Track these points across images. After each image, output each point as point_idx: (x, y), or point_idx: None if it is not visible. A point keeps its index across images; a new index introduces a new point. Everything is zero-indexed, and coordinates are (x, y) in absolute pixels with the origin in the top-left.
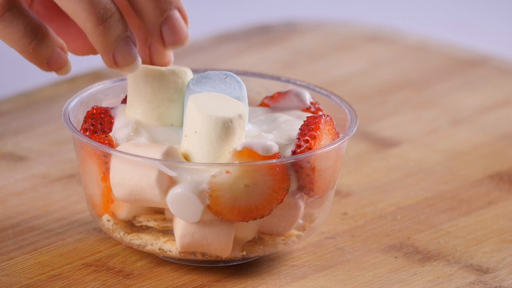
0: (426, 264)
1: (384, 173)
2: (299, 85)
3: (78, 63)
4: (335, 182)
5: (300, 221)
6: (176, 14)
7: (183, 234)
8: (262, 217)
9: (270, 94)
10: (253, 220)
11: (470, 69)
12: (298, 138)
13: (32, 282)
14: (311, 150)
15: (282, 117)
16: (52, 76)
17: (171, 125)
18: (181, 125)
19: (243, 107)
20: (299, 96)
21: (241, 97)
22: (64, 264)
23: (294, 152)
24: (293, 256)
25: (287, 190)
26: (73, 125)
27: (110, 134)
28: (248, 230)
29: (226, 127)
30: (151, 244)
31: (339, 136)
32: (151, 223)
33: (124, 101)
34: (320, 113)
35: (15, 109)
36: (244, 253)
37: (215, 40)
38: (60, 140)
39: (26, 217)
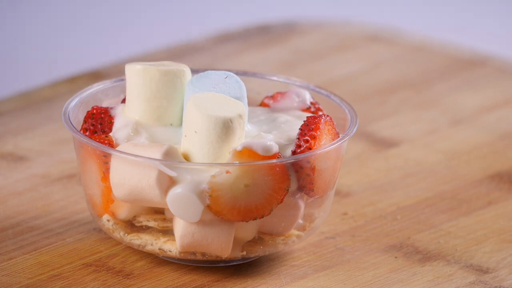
0: (426, 264)
1: (384, 173)
2: (299, 85)
3: (78, 63)
4: (335, 182)
5: (300, 221)
6: None
7: (183, 234)
8: (262, 217)
9: (270, 94)
10: (253, 220)
11: (470, 69)
12: (298, 138)
13: (32, 282)
14: (311, 150)
15: (282, 117)
16: (52, 76)
17: (171, 124)
18: (181, 125)
19: (243, 107)
20: (299, 96)
21: (241, 97)
22: (64, 264)
23: (294, 152)
24: (293, 256)
25: (287, 190)
26: (73, 125)
27: (110, 134)
28: (248, 230)
29: (226, 127)
30: (151, 244)
31: (339, 136)
32: (151, 223)
33: (124, 101)
34: (320, 113)
35: (15, 109)
36: (244, 253)
37: (215, 40)
38: (60, 140)
39: (26, 217)
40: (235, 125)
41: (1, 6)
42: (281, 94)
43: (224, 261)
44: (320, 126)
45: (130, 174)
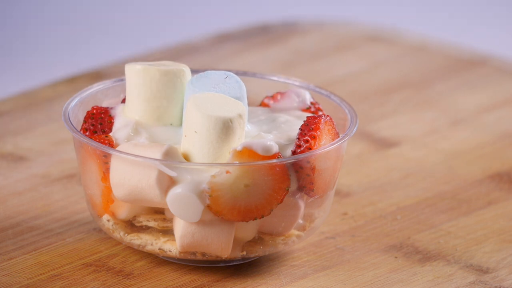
0: (426, 264)
1: (384, 173)
2: (299, 85)
3: (78, 63)
4: (335, 182)
5: (300, 221)
6: None
7: (183, 234)
8: (262, 217)
9: (270, 94)
10: (253, 220)
11: (470, 69)
12: (298, 138)
13: (32, 282)
14: (311, 150)
15: (282, 117)
16: (52, 76)
17: (171, 124)
18: (181, 125)
19: (243, 107)
20: (299, 96)
21: (241, 97)
22: (64, 264)
23: (294, 152)
24: (293, 256)
25: (287, 190)
26: (73, 125)
27: (110, 134)
28: (248, 230)
29: (226, 127)
30: (151, 244)
31: (339, 136)
32: (151, 223)
33: (124, 101)
34: (320, 113)
35: (15, 109)
36: (244, 253)
37: (215, 40)
38: (60, 140)
39: (26, 217)
40: (235, 125)
41: (1, 6)
42: (281, 94)
43: (224, 261)
44: (320, 126)
45: (130, 174)
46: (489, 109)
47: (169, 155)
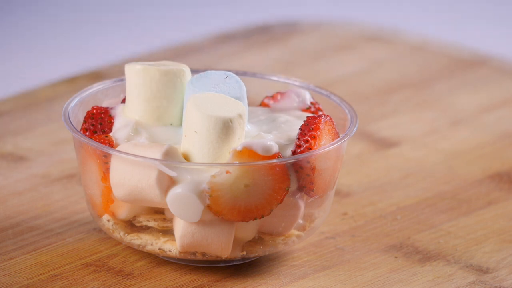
0: (426, 264)
1: (384, 173)
2: (299, 85)
3: (78, 63)
4: (335, 182)
5: (300, 221)
6: None
7: (183, 234)
8: (262, 217)
9: (270, 94)
10: (253, 220)
11: (470, 69)
12: (298, 138)
13: (32, 282)
14: (311, 150)
15: (282, 117)
16: (52, 76)
17: (171, 124)
18: (181, 125)
19: (243, 107)
20: (299, 96)
21: (241, 97)
22: (64, 264)
23: (294, 152)
24: (293, 256)
25: (287, 190)
26: (73, 125)
27: (110, 134)
28: (248, 230)
29: (226, 127)
30: (151, 244)
31: (339, 136)
32: (151, 223)
33: (124, 101)
34: (320, 113)
35: (15, 109)
36: (244, 253)
37: (215, 40)
38: (60, 140)
39: (26, 217)
40: (235, 125)
41: (1, 6)
42: (281, 94)
43: (224, 261)
44: (320, 126)
45: (130, 174)
46: (489, 109)
47: (169, 155)
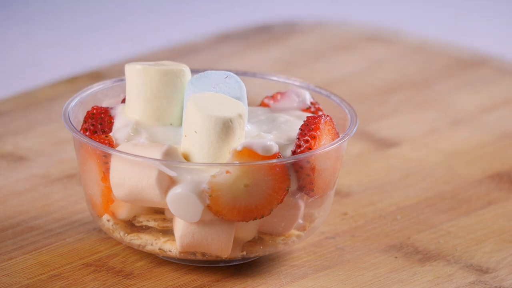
0: (426, 264)
1: (384, 173)
2: (299, 85)
3: (78, 63)
4: (335, 182)
5: (300, 221)
6: None
7: (183, 234)
8: (262, 217)
9: (270, 94)
10: (253, 220)
11: (470, 69)
12: (298, 138)
13: (32, 282)
14: (311, 150)
15: (282, 117)
16: (52, 76)
17: (171, 124)
18: (181, 125)
19: (243, 107)
20: (299, 96)
21: (241, 97)
22: (64, 264)
23: (294, 152)
24: (293, 256)
25: (287, 190)
26: (73, 125)
27: (110, 134)
28: (248, 230)
29: (226, 127)
30: (151, 244)
31: (339, 136)
32: (151, 223)
33: (124, 101)
34: (320, 113)
35: (15, 109)
36: (244, 253)
37: (215, 40)
38: (60, 140)
39: (26, 217)
40: (235, 125)
41: (1, 6)
42: (281, 94)
43: (224, 261)
44: (320, 126)
45: (130, 174)
46: (489, 109)
47: (169, 155)
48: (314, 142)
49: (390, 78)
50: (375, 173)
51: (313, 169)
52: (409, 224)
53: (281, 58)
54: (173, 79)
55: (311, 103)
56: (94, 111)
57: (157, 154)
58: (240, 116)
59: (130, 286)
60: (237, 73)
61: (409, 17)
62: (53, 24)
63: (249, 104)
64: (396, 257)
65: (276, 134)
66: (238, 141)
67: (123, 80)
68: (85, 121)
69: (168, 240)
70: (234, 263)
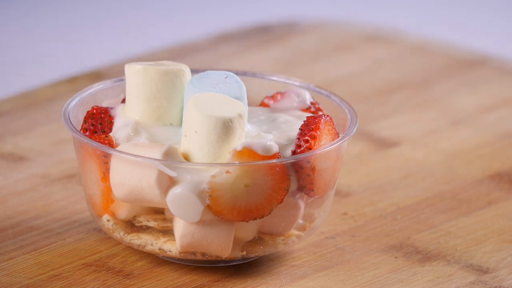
0: (426, 264)
1: (384, 173)
2: (299, 85)
3: (78, 63)
4: (335, 182)
5: (300, 221)
6: None
7: (183, 234)
8: (262, 217)
9: (270, 94)
10: (253, 220)
11: (470, 69)
12: (298, 138)
13: (32, 282)
14: (311, 150)
15: (282, 117)
16: (52, 76)
17: (171, 124)
18: (181, 125)
19: (243, 107)
20: (299, 96)
21: (241, 97)
22: (64, 264)
23: (294, 152)
24: (293, 256)
25: (287, 190)
26: (73, 125)
27: (110, 134)
28: (248, 230)
29: (226, 127)
30: (151, 244)
31: (339, 136)
32: (151, 223)
33: (124, 101)
34: (320, 113)
35: (15, 109)
36: (244, 253)
37: (215, 40)
38: (60, 140)
39: (26, 217)
40: (235, 125)
41: (1, 6)
42: (281, 94)
43: (224, 261)
44: (320, 126)
45: (130, 174)
46: (489, 109)
47: (169, 155)
48: (314, 142)
49: (390, 78)
50: (375, 173)
51: (313, 169)
52: (409, 224)
53: (281, 58)
54: (173, 79)
55: (311, 103)
56: (94, 111)
57: (157, 154)
58: (240, 116)
59: (130, 286)
60: (237, 73)
61: (409, 17)
62: (53, 24)
63: (249, 104)
64: (396, 257)
65: (276, 134)
66: (238, 141)
67: (123, 80)
68: (85, 121)
69: (168, 240)
70: (234, 263)
